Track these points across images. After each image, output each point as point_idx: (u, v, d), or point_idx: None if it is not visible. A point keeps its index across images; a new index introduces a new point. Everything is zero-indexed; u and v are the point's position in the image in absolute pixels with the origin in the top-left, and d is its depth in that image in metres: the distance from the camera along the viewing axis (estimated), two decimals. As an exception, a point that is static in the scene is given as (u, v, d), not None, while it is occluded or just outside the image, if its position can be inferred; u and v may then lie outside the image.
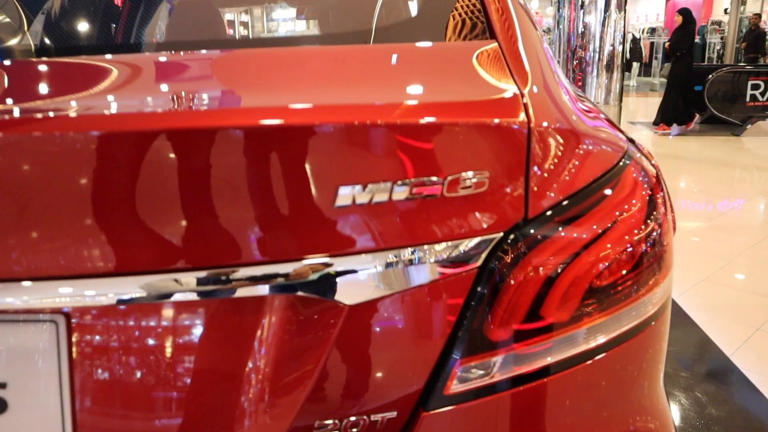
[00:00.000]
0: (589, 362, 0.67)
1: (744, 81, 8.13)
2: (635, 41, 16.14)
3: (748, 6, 14.65)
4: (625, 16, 7.72)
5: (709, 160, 6.60)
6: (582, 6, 7.74)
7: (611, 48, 7.60)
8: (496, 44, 0.77)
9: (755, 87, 8.08)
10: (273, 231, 0.59)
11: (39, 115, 0.59)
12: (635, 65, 17.20)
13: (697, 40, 16.25)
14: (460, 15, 0.88)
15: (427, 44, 0.82)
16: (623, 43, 7.85)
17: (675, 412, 2.03)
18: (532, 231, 0.64)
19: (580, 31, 7.69)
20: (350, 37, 0.91)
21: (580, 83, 6.86)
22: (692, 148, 7.36)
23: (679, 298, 2.96)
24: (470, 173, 0.61)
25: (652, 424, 0.74)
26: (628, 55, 15.23)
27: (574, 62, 7.08)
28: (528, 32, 0.85)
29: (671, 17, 18.93)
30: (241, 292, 0.60)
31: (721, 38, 15.37)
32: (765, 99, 8.09)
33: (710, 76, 8.18)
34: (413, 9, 1.02)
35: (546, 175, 0.65)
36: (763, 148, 7.42)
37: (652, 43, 17.15)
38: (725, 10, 15.90)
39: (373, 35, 0.89)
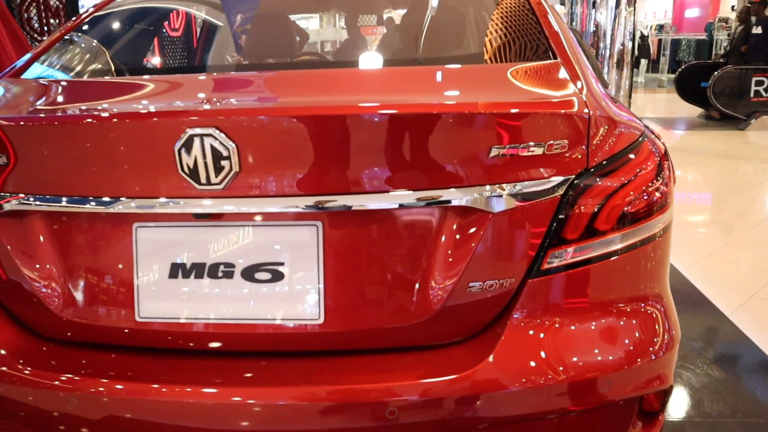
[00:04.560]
0: (620, 256, 1.12)
1: (749, 77, 8.45)
2: (643, 38, 16.37)
3: (755, 3, 14.87)
4: (634, 13, 7.99)
5: (714, 153, 6.97)
6: (594, 4, 7.99)
7: (621, 45, 7.89)
8: (558, 61, 1.22)
9: (759, 83, 8.40)
10: (456, 168, 1.03)
11: (271, 105, 1.08)
12: (643, 62, 17.48)
13: (704, 36, 16.56)
14: (530, 42, 1.38)
15: (521, 65, 1.31)
16: (632, 40, 8.15)
17: (679, 358, 2.44)
18: (590, 175, 1.08)
19: (591, 29, 7.92)
20: (466, 59, 1.49)
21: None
22: (699, 142, 7.72)
23: (684, 271, 3.36)
24: (557, 141, 1.04)
25: (657, 290, 1.19)
26: (636, 52, 15.51)
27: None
28: (575, 50, 1.29)
29: (679, 14, 19.20)
30: (432, 204, 1.04)
31: (728, 35, 15.62)
32: (768, 94, 8.41)
33: (716, 72, 8.51)
34: (504, 39, 1.55)
35: (597, 143, 1.09)
36: (767, 141, 7.77)
37: (659, 40, 17.43)
38: (732, 6, 16.17)
39: (477, 59, 1.46)
